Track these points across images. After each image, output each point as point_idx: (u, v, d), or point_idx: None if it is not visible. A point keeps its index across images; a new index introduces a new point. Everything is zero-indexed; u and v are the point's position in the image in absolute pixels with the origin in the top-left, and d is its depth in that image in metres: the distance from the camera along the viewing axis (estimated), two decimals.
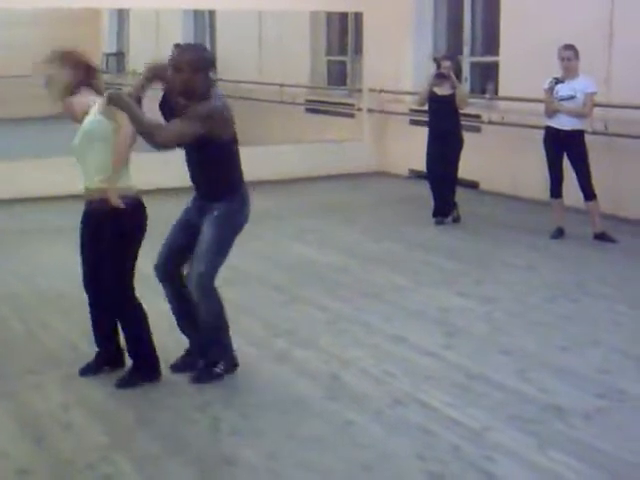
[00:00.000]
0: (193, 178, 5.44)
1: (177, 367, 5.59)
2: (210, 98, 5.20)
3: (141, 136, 5.12)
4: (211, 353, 5.52)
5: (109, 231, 5.25)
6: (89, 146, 5.25)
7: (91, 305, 5.56)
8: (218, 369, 5.48)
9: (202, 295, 5.33)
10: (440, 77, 9.96)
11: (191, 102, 5.16)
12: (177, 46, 5.33)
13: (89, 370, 5.59)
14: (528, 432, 4.73)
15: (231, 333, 5.59)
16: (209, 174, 5.34)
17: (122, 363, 5.58)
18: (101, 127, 5.20)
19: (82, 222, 5.50)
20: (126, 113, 4.98)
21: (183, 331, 5.70)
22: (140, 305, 5.43)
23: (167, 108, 5.35)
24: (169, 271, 5.49)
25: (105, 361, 5.61)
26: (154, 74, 5.31)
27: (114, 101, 4.97)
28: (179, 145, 5.24)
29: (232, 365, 5.57)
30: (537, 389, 5.32)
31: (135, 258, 5.36)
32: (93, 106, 5.26)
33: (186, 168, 5.44)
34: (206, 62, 5.26)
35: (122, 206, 5.14)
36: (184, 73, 5.12)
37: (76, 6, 12.13)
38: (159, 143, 5.08)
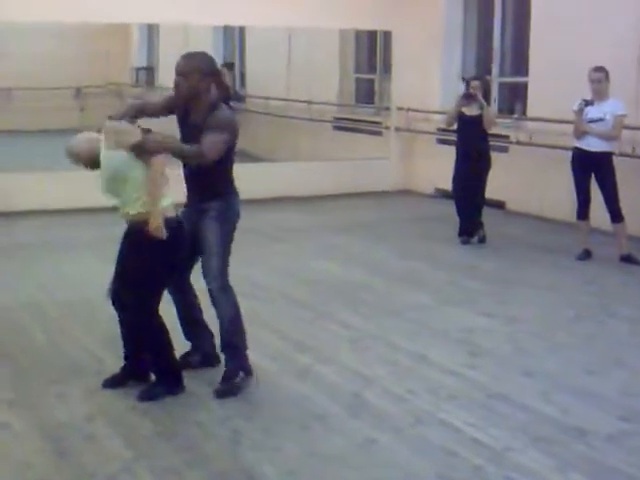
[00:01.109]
0: (190, 181, 5.53)
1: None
2: (220, 107, 5.34)
3: (182, 160, 5.31)
4: (230, 360, 5.56)
5: (149, 250, 5.24)
6: (122, 184, 5.24)
7: (120, 320, 5.59)
8: (238, 379, 5.51)
9: (219, 292, 5.45)
10: (468, 97, 9.96)
11: (197, 109, 5.30)
12: (183, 55, 5.41)
13: (113, 382, 5.61)
14: (550, 453, 4.70)
15: (254, 348, 5.59)
16: (209, 176, 5.39)
17: (147, 378, 5.60)
18: (129, 164, 5.18)
19: (124, 237, 5.47)
20: (163, 152, 5.10)
21: (189, 339, 5.83)
22: (162, 321, 5.43)
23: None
24: (176, 282, 5.60)
25: (130, 375, 5.62)
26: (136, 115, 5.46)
27: (145, 149, 5.06)
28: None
29: (249, 372, 5.61)
30: (559, 410, 5.28)
31: (168, 278, 5.45)
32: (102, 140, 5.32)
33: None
34: (212, 69, 5.38)
35: (164, 237, 5.15)
36: (191, 80, 5.24)
37: (105, 20, 12.22)
38: (207, 162, 5.22)
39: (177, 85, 5.30)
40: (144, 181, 5.16)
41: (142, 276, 5.28)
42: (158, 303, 5.39)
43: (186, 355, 5.82)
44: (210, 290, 5.47)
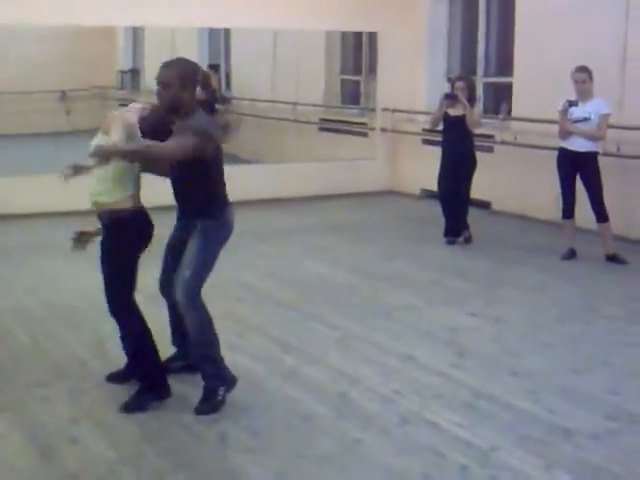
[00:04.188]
0: (178, 196, 5.44)
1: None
2: (195, 114, 5.20)
3: (148, 164, 5.23)
4: (207, 377, 5.38)
5: (107, 240, 5.28)
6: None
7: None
8: (219, 396, 5.32)
9: (186, 306, 5.28)
10: (449, 98, 9.96)
11: (177, 118, 5.19)
12: (163, 64, 5.26)
13: (117, 378, 5.58)
14: (536, 453, 4.70)
15: (240, 349, 5.58)
16: (194, 190, 5.30)
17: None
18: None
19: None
20: (120, 157, 5.06)
21: (176, 344, 5.79)
22: (141, 318, 5.35)
23: (150, 130, 5.30)
24: (166, 291, 5.54)
25: (132, 373, 5.55)
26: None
27: (101, 156, 5.03)
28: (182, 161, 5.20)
29: (230, 382, 5.43)
30: (546, 410, 5.29)
31: (131, 268, 5.30)
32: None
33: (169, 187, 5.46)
34: (192, 75, 5.24)
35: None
36: (172, 89, 5.11)
37: (91, 23, 12.19)
38: (167, 158, 5.10)
39: (158, 95, 5.19)
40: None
41: (106, 266, 5.27)
42: (128, 291, 5.30)
43: (169, 360, 5.77)
44: (177, 302, 5.32)
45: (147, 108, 5.25)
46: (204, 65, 17.86)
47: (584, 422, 5.12)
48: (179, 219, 5.50)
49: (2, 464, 4.61)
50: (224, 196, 5.44)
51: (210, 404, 5.29)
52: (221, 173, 5.40)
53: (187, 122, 5.13)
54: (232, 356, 5.76)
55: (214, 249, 5.35)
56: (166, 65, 5.22)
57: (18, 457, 4.69)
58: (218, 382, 5.36)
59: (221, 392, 5.33)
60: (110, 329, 6.85)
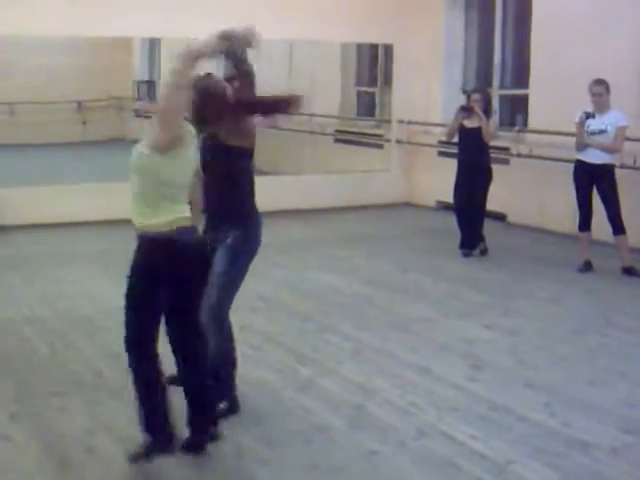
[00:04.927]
0: (209, 204, 5.22)
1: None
2: None
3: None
4: (214, 393, 5.10)
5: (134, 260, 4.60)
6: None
7: None
8: (220, 408, 5.16)
9: (212, 328, 5.10)
10: (466, 110, 9.97)
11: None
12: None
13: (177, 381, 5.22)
14: (552, 466, 4.69)
15: (257, 360, 5.57)
16: (227, 197, 5.16)
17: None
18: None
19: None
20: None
21: None
22: (153, 366, 4.64)
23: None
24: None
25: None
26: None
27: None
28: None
29: (234, 407, 5.29)
30: (562, 423, 5.28)
31: (150, 301, 4.59)
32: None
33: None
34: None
35: None
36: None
37: (107, 34, 12.26)
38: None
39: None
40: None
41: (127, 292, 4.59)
42: (141, 332, 4.60)
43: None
44: (202, 323, 5.02)
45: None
46: (220, 77, 17.94)
47: (600, 435, 5.10)
48: (206, 231, 5.24)
49: (20, 474, 4.63)
50: (254, 207, 5.34)
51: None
52: (253, 183, 5.32)
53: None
54: (247, 367, 5.77)
55: (243, 266, 5.23)
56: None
57: (35, 467, 4.70)
58: (221, 398, 5.19)
59: (222, 406, 5.18)
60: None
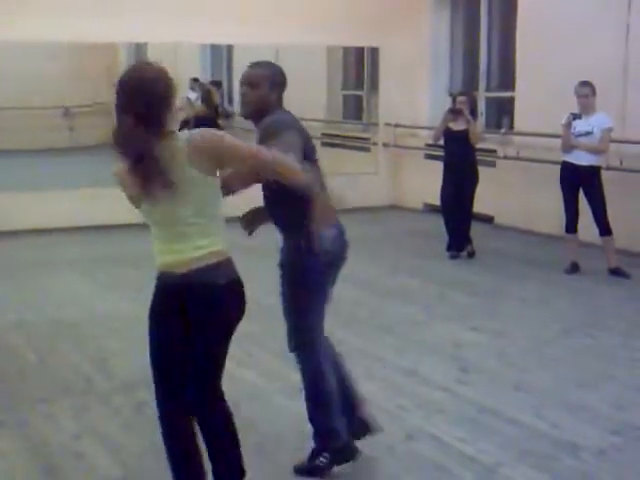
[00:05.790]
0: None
1: None
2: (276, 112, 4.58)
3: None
4: (316, 437, 4.72)
5: None
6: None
7: None
8: (320, 461, 4.65)
9: (298, 357, 4.76)
10: (454, 112, 10.00)
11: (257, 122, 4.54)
12: (252, 64, 4.69)
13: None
14: (541, 468, 4.69)
15: (247, 366, 5.54)
16: (282, 206, 4.58)
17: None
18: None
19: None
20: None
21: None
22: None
23: None
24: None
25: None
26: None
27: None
28: None
29: (341, 456, 4.66)
30: (550, 425, 5.28)
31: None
32: None
33: None
34: (282, 78, 4.71)
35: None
36: (260, 89, 4.52)
37: (93, 40, 12.25)
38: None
39: (244, 95, 4.54)
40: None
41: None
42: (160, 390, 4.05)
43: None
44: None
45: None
46: (206, 81, 17.93)
47: (589, 437, 5.10)
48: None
49: None
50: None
51: (309, 466, 4.70)
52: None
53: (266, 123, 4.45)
54: (238, 372, 5.75)
55: (312, 287, 4.69)
56: (255, 65, 4.69)
57: (23, 473, 4.69)
58: (321, 448, 4.67)
59: (324, 459, 4.65)
60: (114, 346, 6.90)
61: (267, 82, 4.55)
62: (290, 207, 4.46)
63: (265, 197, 4.60)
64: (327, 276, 4.73)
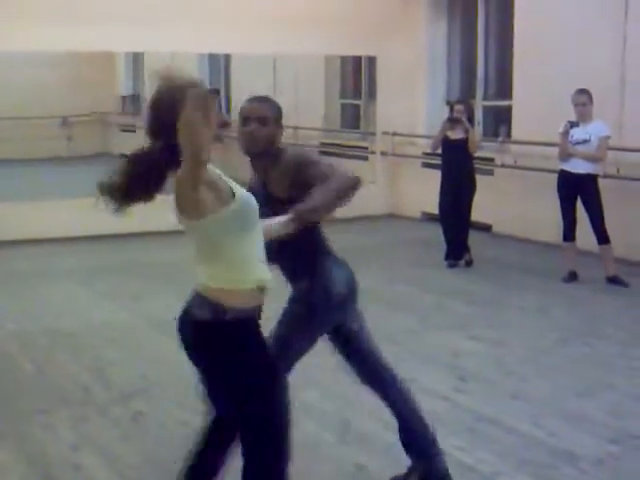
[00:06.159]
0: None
1: None
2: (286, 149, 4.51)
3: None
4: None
5: None
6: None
7: None
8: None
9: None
10: (452, 121, 10.01)
11: (265, 161, 4.43)
12: (254, 98, 4.45)
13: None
14: (539, 477, 4.68)
15: None
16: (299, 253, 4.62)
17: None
18: None
19: None
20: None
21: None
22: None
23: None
24: None
25: None
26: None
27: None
28: None
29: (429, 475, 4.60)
30: (548, 434, 5.28)
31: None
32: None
33: None
34: (281, 114, 4.52)
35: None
36: (270, 126, 4.36)
37: (91, 49, 12.27)
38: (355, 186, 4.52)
39: (253, 132, 4.32)
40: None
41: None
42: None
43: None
44: None
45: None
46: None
47: (587, 446, 5.10)
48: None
49: None
50: (324, 254, 4.90)
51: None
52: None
53: (298, 155, 4.53)
54: None
55: (315, 326, 4.84)
56: (260, 100, 4.45)
57: None
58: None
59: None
60: (111, 355, 6.89)
61: (275, 119, 4.45)
62: (298, 252, 4.57)
63: (270, 249, 4.21)
64: (333, 317, 4.83)
